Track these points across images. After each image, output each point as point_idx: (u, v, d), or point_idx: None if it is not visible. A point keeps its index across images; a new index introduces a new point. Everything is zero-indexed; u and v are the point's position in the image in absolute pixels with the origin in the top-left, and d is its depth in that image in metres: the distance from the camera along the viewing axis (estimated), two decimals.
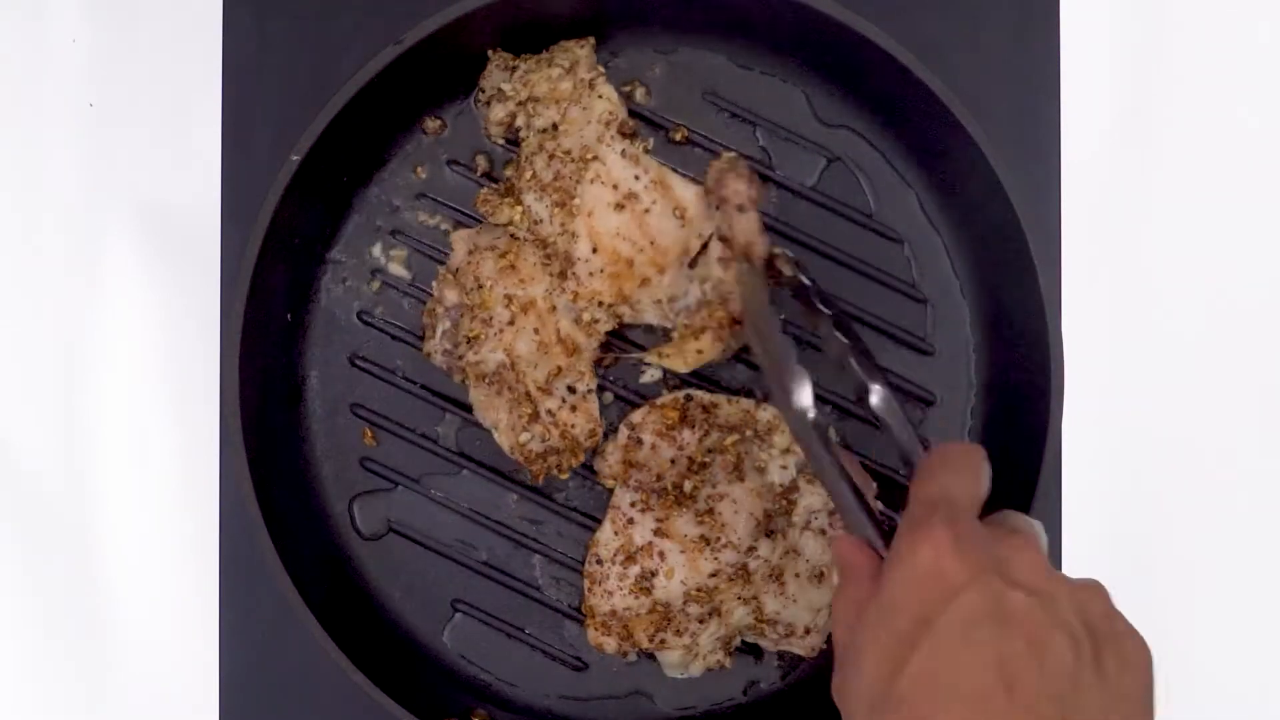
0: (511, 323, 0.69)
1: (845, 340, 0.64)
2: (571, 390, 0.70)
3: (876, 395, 0.63)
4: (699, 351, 0.70)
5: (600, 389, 0.73)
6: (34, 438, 0.76)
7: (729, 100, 0.73)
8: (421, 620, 0.73)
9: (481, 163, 0.73)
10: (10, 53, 0.76)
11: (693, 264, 0.69)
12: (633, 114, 0.73)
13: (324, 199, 0.72)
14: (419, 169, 0.73)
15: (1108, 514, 0.76)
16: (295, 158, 0.67)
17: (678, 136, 0.73)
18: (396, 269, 0.73)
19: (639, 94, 0.73)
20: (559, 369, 0.69)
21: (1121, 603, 0.75)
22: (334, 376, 0.73)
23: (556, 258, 0.69)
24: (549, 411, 0.69)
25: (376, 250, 0.73)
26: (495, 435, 0.70)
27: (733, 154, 0.71)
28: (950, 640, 0.48)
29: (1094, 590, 0.52)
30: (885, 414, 0.63)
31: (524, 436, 0.69)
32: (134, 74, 0.76)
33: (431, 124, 0.73)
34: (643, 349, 0.72)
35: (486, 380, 0.69)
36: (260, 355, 0.69)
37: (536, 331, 0.69)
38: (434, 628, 0.73)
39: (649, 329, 0.72)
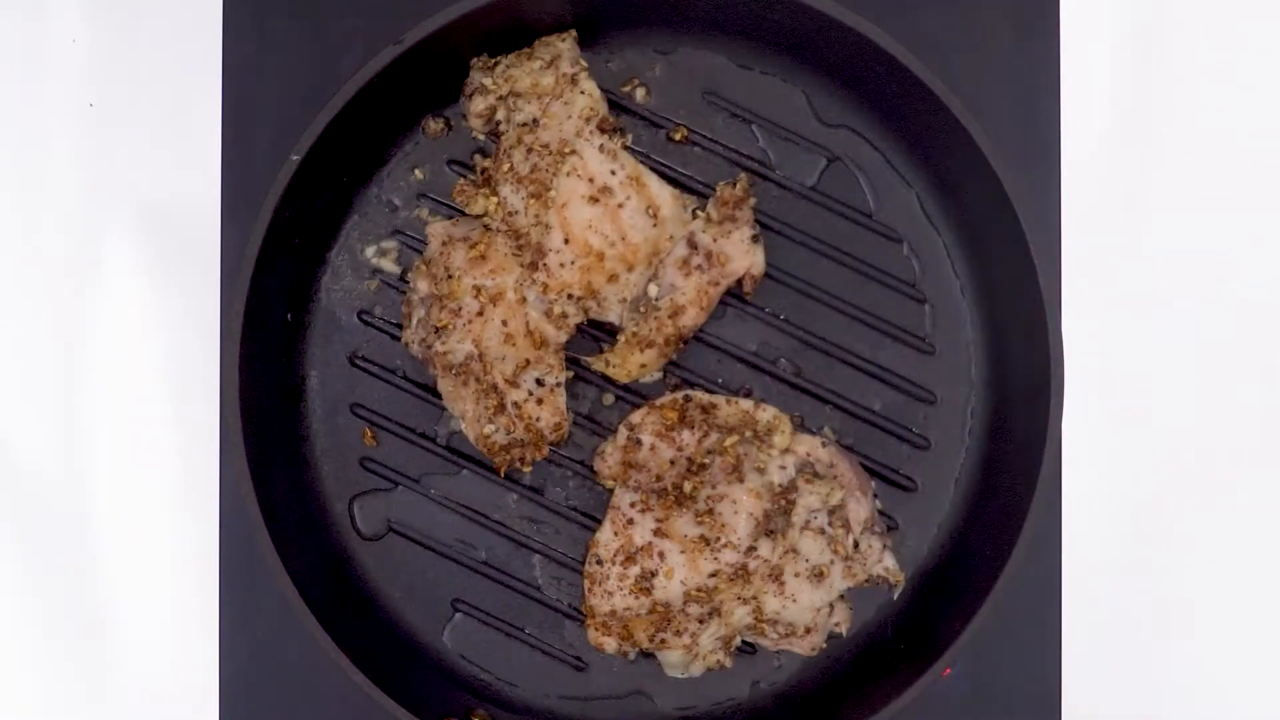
0: (480, 314, 0.69)
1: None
2: (540, 383, 0.70)
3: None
4: (642, 365, 0.71)
5: (600, 389, 0.73)
6: (34, 438, 0.76)
7: (729, 100, 0.73)
8: (421, 620, 0.73)
9: (481, 163, 0.73)
10: (10, 53, 0.76)
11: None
12: (633, 114, 0.73)
13: (324, 199, 0.72)
14: (419, 169, 0.73)
15: (1108, 514, 0.76)
16: (295, 158, 0.67)
17: (678, 136, 0.73)
18: (388, 265, 0.73)
19: (639, 94, 0.73)
20: (527, 361, 0.69)
21: (1121, 602, 0.76)
22: (334, 376, 0.73)
23: (528, 249, 0.69)
24: (515, 404, 0.69)
25: (376, 250, 0.73)
26: (461, 425, 0.71)
27: None
28: None
29: None
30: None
31: (488, 428, 0.70)
32: (134, 74, 0.76)
33: (432, 125, 0.73)
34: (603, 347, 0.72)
35: (454, 371, 0.69)
36: (260, 355, 0.69)
37: (505, 323, 0.69)
38: (434, 628, 0.73)
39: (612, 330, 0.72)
